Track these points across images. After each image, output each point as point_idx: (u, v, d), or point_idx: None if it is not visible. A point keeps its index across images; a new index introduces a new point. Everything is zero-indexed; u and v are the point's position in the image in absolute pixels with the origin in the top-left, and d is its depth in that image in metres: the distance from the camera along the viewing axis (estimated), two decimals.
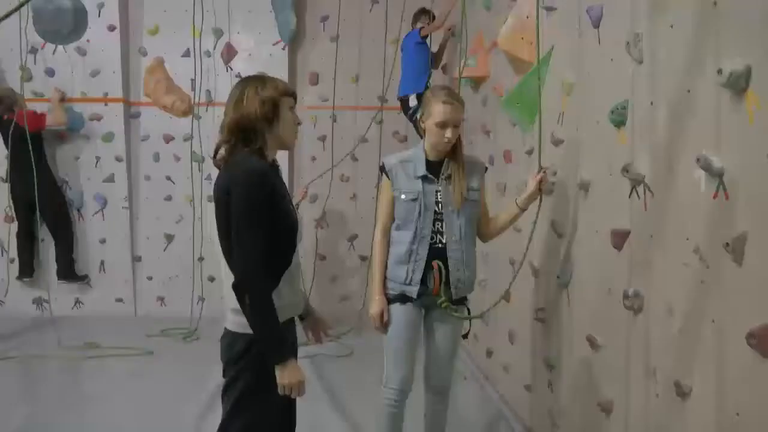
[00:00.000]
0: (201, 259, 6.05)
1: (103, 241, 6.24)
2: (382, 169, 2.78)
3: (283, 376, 2.02)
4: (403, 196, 2.70)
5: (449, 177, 2.71)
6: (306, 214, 5.62)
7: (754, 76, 1.67)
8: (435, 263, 2.66)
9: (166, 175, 6.29)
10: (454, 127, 2.65)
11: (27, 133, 5.06)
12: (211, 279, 6.23)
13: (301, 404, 4.04)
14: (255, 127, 2.09)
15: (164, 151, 6.29)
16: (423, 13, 5.44)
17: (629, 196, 2.34)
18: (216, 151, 2.16)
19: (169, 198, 6.30)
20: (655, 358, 2.18)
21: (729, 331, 1.77)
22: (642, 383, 2.26)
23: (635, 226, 2.33)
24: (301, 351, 5.40)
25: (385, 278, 2.75)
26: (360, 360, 4.87)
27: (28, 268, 5.97)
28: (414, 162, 2.74)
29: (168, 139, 6.28)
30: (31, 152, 4.95)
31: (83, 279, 6.21)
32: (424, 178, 2.71)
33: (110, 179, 6.19)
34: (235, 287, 2.02)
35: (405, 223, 2.71)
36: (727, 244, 1.76)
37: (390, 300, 2.72)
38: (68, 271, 6.10)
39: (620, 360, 2.43)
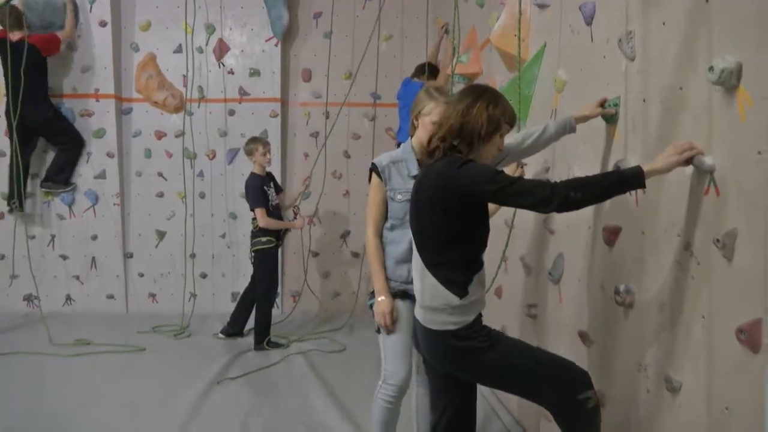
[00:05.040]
0: (192, 255, 6.05)
1: (94, 238, 6.21)
2: (373, 169, 2.75)
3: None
4: (399, 196, 2.68)
5: None
6: (300, 211, 5.60)
7: (745, 73, 1.68)
8: None
9: (157, 171, 6.27)
10: None
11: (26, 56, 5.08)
12: (203, 275, 6.24)
13: (295, 399, 4.05)
14: (471, 140, 2.14)
15: (156, 147, 6.27)
16: (426, 69, 5.38)
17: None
18: (429, 142, 2.23)
19: (161, 194, 6.28)
20: (646, 353, 2.20)
21: (719, 327, 1.79)
22: (633, 378, 2.27)
23: (627, 222, 2.35)
24: (294, 347, 5.42)
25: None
26: (352, 356, 4.88)
27: (18, 199, 5.75)
28: (405, 161, 2.72)
29: (160, 135, 6.26)
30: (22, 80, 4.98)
31: (69, 186, 6.08)
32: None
33: (101, 175, 6.16)
34: (559, 206, 1.98)
35: (402, 222, 2.69)
36: (718, 240, 1.77)
37: (393, 296, 2.71)
38: (59, 175, 5.98)
39: (612, 355, 2.44)
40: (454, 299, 2.12)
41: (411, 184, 2.64)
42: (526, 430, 3.38)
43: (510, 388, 2.30)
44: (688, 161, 1.89)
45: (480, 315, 2.21)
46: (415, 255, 2.27)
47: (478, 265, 2.20)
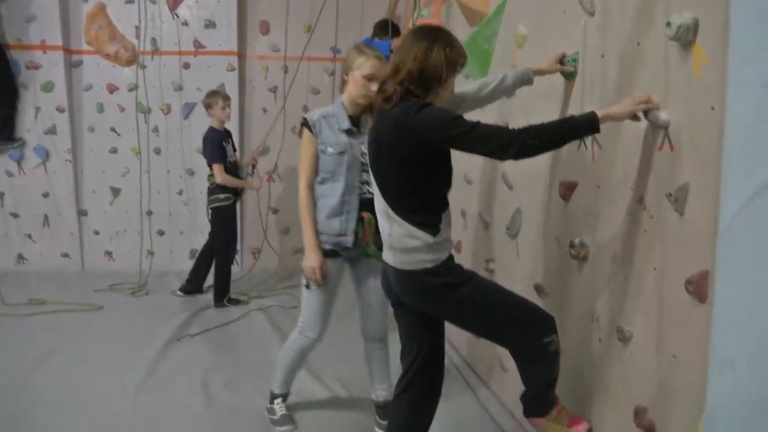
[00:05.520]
0: (149, 213, 5.94)
1: (46, 195, 6.04)
2: (305, 124, 2.79)
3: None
4: (330, 149, 2.75)
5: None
6: (258, 167, 5.54)
7: (701, 29, 1.70)
8: (366, 215, 2.77)
9: (110, 126, 6.09)
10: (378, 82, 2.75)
11: None
12: (161, 233, 6.15)
13: (255, 355, 4.07)
14: (430, 84, 2.12)
15: (108, 101, 6.06)
16: (386, 27, 5.22)
17: (578, 148, 2.38)
18: (381, 89, 2.20)
19: (114, 150, 6.11)
20: (598, 305, 2.26)
21: (670, 279, 1.84)
22: (586, 329, 2.34)
23: (583, 177, 2.38)
24: (254, 304, 5.41)
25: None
26: None
27: None
28: (336, 116, 2.79)
29: (112, 89, 6.05)
30: None
31: (15, 142, 5.88)
32: (348, 132, 2.77)
33: (52, 131, 5.95)
34: (517, 154, 2.01)
35: (333, 176, 2.76)
36: (670, 194, 1.81)
37: (324, 254, 2.78)
38: (1, 132, 5.78)
39: (566, 307, 2.51)
40: (428, 238, 2.14)
41: (341, 137, 2.75)
42: (475, 370, 3.50)
43: (478, 327, 2.31)
44: (643, 114, 1.92)
45: (452, 254, 2.25)
46: (380, 201, 2.26)
47: (444, 204, 2.23)
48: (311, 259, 2.74)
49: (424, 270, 2.16)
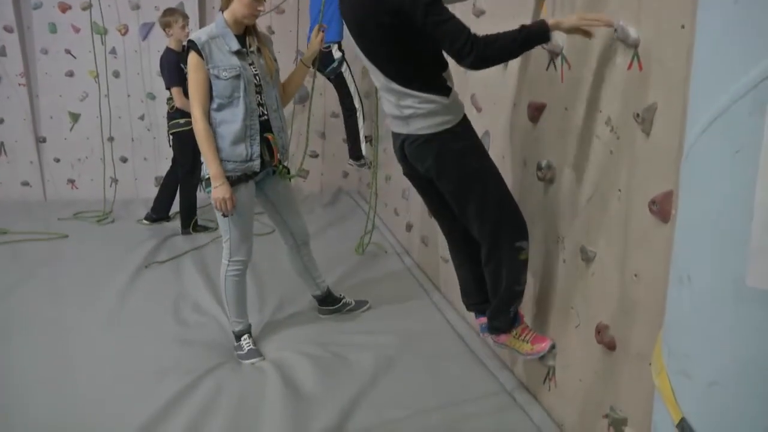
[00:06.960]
0: (110, 139, 5.78)
1: (1, 122, 5.82)
2: (192, 47, 2.69)
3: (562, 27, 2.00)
4: (224, 74, 2.69)
5: (258, 50, 2.80)
6: None
7: None
8: (269, 136, 2.81)
9: (65, 48, 5.82)
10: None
11: None
12: (124, 160, 6.01)
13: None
14: None
15: (61, 21, 5.78)
16: None
17: (546, 69, 2.34)
18: None
19: (71, 74, 5.88)
20: (563, 226, 2.29)
21: (634, 199, 1.86)
22: (551, 250, 2.38)
23: (551, 98, 2.35)
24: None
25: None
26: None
27: None
28: (223, 37, 2.71)
29: (64, 7, 5.75)
30: None
31: None
32: (238, 53, 2.71)
33: (1, 53, 5.68)
34: (473, 63, 2.04)
35: (231, 101, 2.71)
36: (638, 114, 1.80)
37: (233, 182, 2.76)
38: None
39: (532, 229, 2.52)
40: (443, 99, 2.19)
41: (234, 59, 2.70)
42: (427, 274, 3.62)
43: (472, 201, 2.29)
44: (614, 31, 1.88)
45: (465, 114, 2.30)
46: (378, 75, 2.26)
47: (444, 63, 2.25)
48: (220, 191, 2.70)
49: (445, 131, 2.21)
